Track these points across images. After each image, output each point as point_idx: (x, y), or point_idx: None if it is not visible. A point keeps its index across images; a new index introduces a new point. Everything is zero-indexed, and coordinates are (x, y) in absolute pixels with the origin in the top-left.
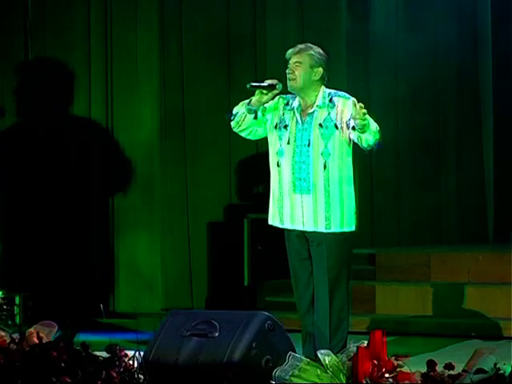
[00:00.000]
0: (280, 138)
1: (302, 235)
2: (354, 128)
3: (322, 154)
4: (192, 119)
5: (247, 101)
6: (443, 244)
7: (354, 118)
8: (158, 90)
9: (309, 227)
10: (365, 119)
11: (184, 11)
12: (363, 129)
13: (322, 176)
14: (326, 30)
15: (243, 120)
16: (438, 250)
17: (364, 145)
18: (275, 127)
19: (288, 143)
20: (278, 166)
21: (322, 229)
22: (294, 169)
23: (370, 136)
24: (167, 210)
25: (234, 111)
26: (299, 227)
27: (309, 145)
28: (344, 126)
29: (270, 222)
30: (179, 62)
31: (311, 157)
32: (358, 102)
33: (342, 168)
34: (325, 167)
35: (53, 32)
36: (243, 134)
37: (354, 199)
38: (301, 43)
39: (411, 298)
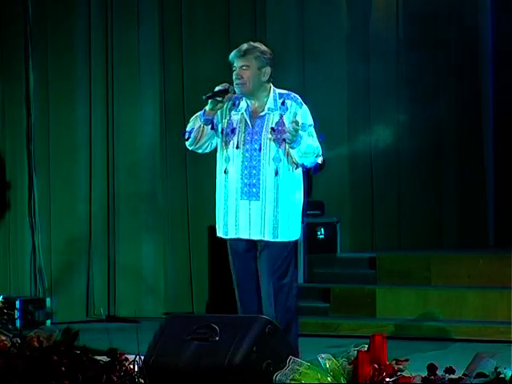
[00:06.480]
0: (227, 143)
1: (248, 244)
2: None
3: (273, 159)
4: None
5: (200, 113)
6: (444, 248)
7: (285, 131)
8: (158, 95)
9: (255, 235)
10: (294, 135)
11: (184, 14)
12: (291, 144)
13: (273, 182)
14: (326, 31)
15: (201, 134)
16: (439, 253)
17: (294, 161)
18: (221, 132)
19: (237, 147)
20: (225, 172)
21: (269, 237)
22: (243, 174)
23: (297, 155)
24: (168, 215)
25: (189, 128)
26: (245, 236)
27: (260, 149)
28: None
29: (218, 233)
30: (180, 66)
31: (262, 162)
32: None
33: (293, 175)
34: (276, 173)
35: (54, 37)
36: (200, 150)
37: (301, 207)
38: (247, 42)
39: (412, 301)
